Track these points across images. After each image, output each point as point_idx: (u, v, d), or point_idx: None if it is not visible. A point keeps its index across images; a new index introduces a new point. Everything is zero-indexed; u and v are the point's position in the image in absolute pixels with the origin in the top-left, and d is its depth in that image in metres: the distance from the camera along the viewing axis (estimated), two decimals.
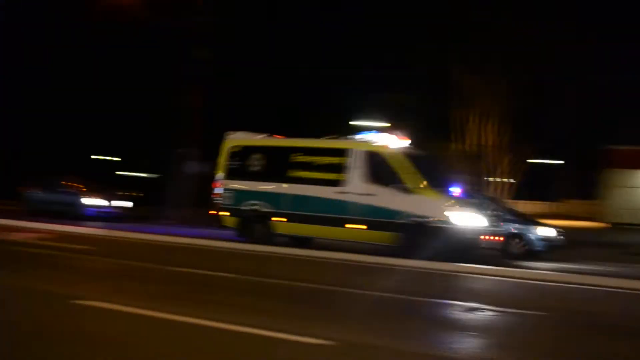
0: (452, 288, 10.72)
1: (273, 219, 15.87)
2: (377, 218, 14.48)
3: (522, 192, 38.86)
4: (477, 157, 34.56)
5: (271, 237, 15.80)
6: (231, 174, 16.64)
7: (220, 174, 16.84)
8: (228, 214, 16.53)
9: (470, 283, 11.61)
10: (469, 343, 6.51)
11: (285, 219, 15.73)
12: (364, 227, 14.73)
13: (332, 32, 42.96)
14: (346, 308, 8.08)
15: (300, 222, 15.56)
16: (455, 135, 35.42)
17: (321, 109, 40.21)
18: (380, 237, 14.58)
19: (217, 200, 16.69)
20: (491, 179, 35.13)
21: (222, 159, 16.85)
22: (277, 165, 16.21)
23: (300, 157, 15.98)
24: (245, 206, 16.20)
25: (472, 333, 6.95)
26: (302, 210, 15.43)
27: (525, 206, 35.76)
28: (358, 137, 15.81)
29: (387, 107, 31.35)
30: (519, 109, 33.66)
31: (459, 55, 32.15)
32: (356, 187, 14.79)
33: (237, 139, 17.00)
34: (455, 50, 32.04)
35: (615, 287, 11.24)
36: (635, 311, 9.64)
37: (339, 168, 15.18)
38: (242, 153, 16.68)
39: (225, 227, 16.83)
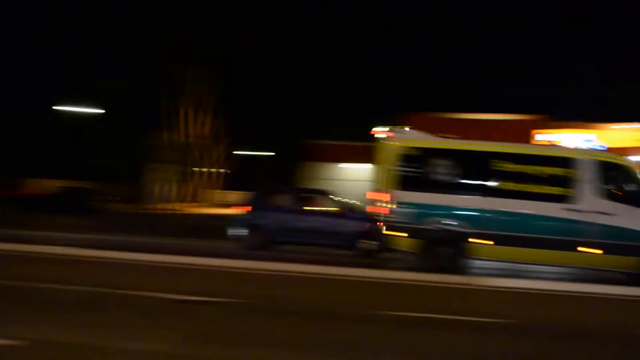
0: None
1: (471, 240, 12.47)
2: (619, 241, 12.04)
3: (234, 182, 40.47)
4: (185, 148, 35.20)
5: (462, 262, 12.59)
6: (405, 184, 12.73)
7: (385, 184, 12.83)
8: (405, 234, 12.67)
9: None
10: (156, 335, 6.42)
11: (491, 242, 12.43)
12: (600, 251, 12.10)
13: None
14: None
15: (513, 245, 12.37)
16: (165, 125, 35.75)
17: None
18: (621, 262, 12.19)
19: (386, 217, 12.76)
20: (198, 169, 36.07)
21: (386, 165, 12.90)
22: (476, 174, 12.93)
23: (509, 165, 12.66)
24: (431, 225, 12.56)
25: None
26: (516, 230, 12.36)
27: (233, 196, 36.96)
28: (585, 145, 13.31)
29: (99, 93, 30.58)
30: (231, 102, 34.83)
31: (168, 48, 32.40)
32: (590, 204, 12.12)
33: (411, 139, 13.13)
34: (165, 43, 32.24)
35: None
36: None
37: (564, 181, 12.39)
38: (420, 158, 12.96)
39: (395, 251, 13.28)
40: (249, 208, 16.39)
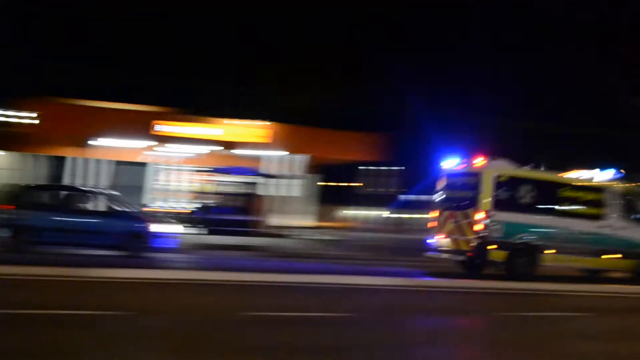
0: None
1: (544, 251, 15.71)
2: (632, 249, 16.37)
3: None
4: None
5: (534, 270, 15.62)
6: (497, 205, 15.48)
7: (482, 205, 15.47)
8: (496, 247, 15.34)
9: None
10: None
11: (554, 251, 15.71)
12: (620, 256, 16.35)
13: None
14: None
15: (567, 254, 15.87)
16: None
17: None
18: (633, 264, 16.44)
19: (483, 232, 15.27)
20: None
21: (487, 189, 15.53)
22: (547, 199, 16.23)
23: (568, 192, 16.47)
24: (516, 239, 15.52)
25: None
26: (572, 243, 15.90)
27: None
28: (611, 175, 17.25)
29: None
30: None
31: None
32: (616, 222, 16.39)
33: (502, 168, 16.08)
34: None
35: None
36: None
37: (600, 204, 16.52)
38: (509, 184, 15.77)
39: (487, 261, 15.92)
40: (11, 207, 15.28)
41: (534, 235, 15.55)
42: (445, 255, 16.36)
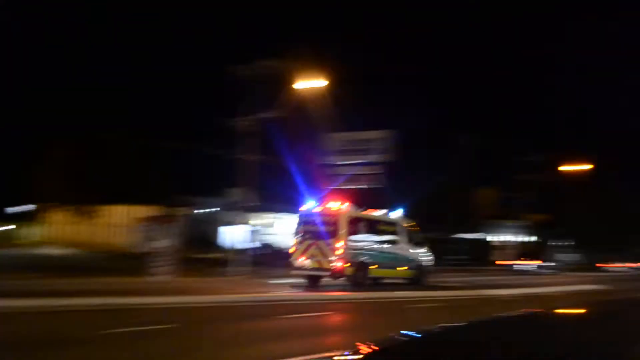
0: None
1: (370, 267, 23.14)
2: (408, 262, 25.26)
3: None
4: None
5: (366, 280, 22.99)
6: (348, 236, 22.51)
7: (343, 236, 22.24)
8: (349, 265, 22.00)
9: None
10: None
11: (376, 266, 23.34)
12: (406, 267, 25.00)
13: None
14: None
15: (383, 268, 23.82)
16: None
17: None
18: (410, 273, 25.08)
19: (342, 255, 21.88)
20: None
21: (343, 225, 22.35)
22: (371, 230, 24.35)
23: (380, 226, 25.17)
24: (357, 259, 22.55)
25: None
26: (384, 260, 23.87)
27: None
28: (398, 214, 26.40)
29: None
30: None
31: None
32: (401, 245, 25.27)
33: (351, 210, 23.44)
34: None
35: None
36: None
37: (393, 233, 25.36)
38: (353, 221, 23.16)
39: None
40: None
41: (366, 256, 22.95)
42: (309, 273, 22.41)
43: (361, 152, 50.60)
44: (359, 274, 22.24)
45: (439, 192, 51.41)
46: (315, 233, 22.42)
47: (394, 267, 24.49)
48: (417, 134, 58.86)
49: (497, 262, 49.82)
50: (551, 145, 68.08)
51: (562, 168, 51.15)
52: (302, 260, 22.23)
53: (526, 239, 62.47)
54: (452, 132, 64.32)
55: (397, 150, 50.00)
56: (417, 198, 51.01)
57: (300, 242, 22.66)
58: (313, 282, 22.57)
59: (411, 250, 25.37)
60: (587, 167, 50.72)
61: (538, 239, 62.13)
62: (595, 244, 62.82)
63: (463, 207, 54.20)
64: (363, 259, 22.68)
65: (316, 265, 22.07)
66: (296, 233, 23.19)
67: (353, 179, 51.08)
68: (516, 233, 61.71)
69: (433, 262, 27.32)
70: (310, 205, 23.59)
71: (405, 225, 25.94)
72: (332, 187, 29.32)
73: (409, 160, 56.36)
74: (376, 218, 25.22)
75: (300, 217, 23.55)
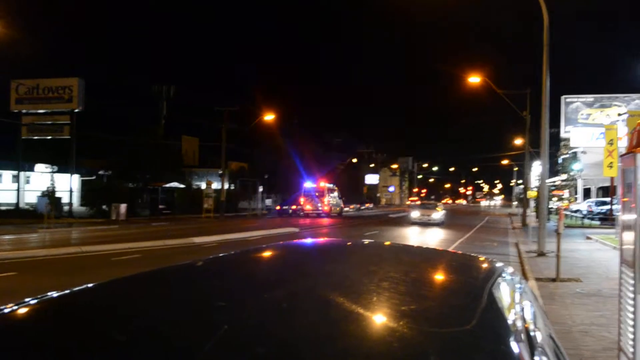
0: None
1: None
2: None
3: None
4: None
5: None
6: (327, 195, 61.92)
7: (327, 197, 61.40)
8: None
9: None
10: None
11: None
12: None
13: None
14: None
15: None
16: None
17: None
18: None
19: (328, 205, 60.41)
20: None
21: (325, 192, 60.82)
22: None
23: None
24: None
25: None
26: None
27: None
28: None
29: None
30: None
31: None
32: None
33: (327, 186, 61.58)
34: None
35: None
36: None
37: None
38: (329, 190, 62.75)
39: None
40: None
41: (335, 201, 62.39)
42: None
43: (46, 101, 49.42)
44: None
45: (140, 143, 51.61)
46: (312, 196, 58.74)
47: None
48: (112, 83, 58.26)
49: (204, 210, 51.06)
50: (244, 97, 71.86)
51: (257, 119, 54.76)
52: (307, 207, 58.73)
53: (227, 186, 65.77)
54: (152, 82, 65.17)
55: (86, 100, 49.74)
56: (117, 149, 51.29)
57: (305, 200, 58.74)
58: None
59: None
60: (273, 117, 54.97)
61: (237, 186, 65.86)
62: (288, 189, 68.58)
63: (164, 156, 55.12)
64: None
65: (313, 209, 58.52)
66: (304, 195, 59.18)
67: (36, 128, 49.78)
68: (218, 180, 64.64)
69: None
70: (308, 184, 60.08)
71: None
72: None
73: (105, 111, 55.93)
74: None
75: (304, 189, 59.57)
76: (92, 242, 22.51)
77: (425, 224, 39.45)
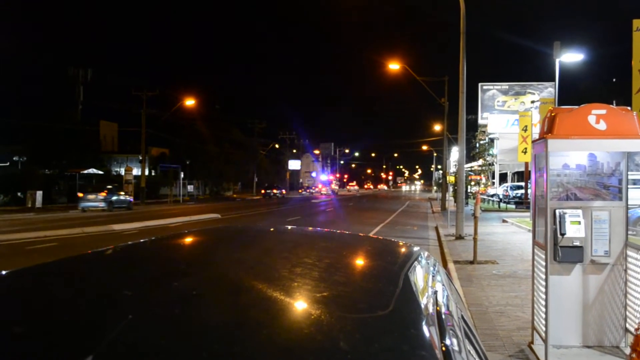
0: None
1: None
2: None
3: None
4: None
5: None
6: None
7: None
8: None
9: None
10: None
11: None
12: None
13: None
14: None
15: None
16: None
17: None
18: None
19: None
20: None
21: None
22: None
23: None
24: None
25: None
26: None
27: None
28: None
29: None
30: None
31: None
32: None
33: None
34: None
35: None
36: None
37: None
38: None
39: None
40: None
41: None
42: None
43: None
44: None
45: (55, 128, 49.91)
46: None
47: None
48: (25, 66, 56.36)
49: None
50: (165, 82, 71.10)
51: (178, 104, 53.85)
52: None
53: (147, 172, 64.62)
54: (71, 65, 63.11)
55: None
56: (33, 134, 49.43)
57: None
58: None
59: None
60: (193, 102, 54.17)
61: (158, 172, 64.80)
62: (210, 175, 67.98)
63: (82, 142, 53.59)
64: None
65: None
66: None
67: None
68: (138, 166, 63.37)
69: None
70: None
71: None
72: None
73: (18, 94, 53.83)
74: None
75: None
76: (5, 230, 21.69)
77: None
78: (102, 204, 37.72)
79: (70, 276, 1.65)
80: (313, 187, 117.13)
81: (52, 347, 1.07)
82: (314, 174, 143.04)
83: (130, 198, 42.44)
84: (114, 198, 39.18)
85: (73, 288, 1.51)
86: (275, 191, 78.03)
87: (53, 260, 1.77)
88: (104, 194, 38.22)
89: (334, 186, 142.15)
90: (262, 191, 77.96)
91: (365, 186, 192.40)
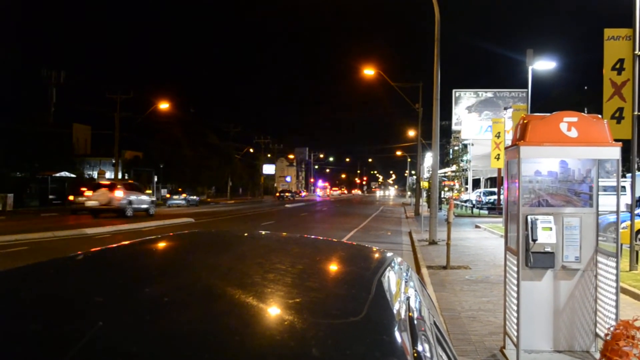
0: None
1: None
2: None
3: None
4: None
5: None
6: None
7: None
8: None
9: None
10: None
11: None
12: None
13: None
14: None
15: None
16: None
17: None
18: None
19: None
20: None
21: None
22: None
23: None
24: None
25: None
26: None
27: None
28: None
29: None
30: None
31: None
32: None
33: None
34: None
35: None
36: None
37: None
38: None
39: None
40: None
41: None
42: None
43: None
44: None
45: (27, 130, 49.18)
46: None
47: None
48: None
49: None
50: (143, 85, 70.77)
51: (152, 107, 53.45)
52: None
53: (121, 175, 64.05)
54: (44, 67, 62.34)
55: None
56: (3, 136, 48.67)
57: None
58: None
59: None
60: (168, 105, 53.79)
61: (131, 175, 64.26)
62: (184, 179, 67.59)
63: (54, 144, 52.91)
64: None
65: None
66: None
67: None
68: (111, 170, 62.76)
69: None
70: None
71: None
72: None
73: None
74: None
75: None
76: None
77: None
78: None
79: (39, 282, 1.60)
80: (298, 192, 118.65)
81: (17, 358, 1.04)
82: (288, 179, 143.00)
83: None
84: None
85: (40, 295, 1.47)
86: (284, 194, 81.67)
87: (22, 265, 1.73)
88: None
89: (320, 191, 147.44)
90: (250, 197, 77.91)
91: (339, 191, 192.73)
